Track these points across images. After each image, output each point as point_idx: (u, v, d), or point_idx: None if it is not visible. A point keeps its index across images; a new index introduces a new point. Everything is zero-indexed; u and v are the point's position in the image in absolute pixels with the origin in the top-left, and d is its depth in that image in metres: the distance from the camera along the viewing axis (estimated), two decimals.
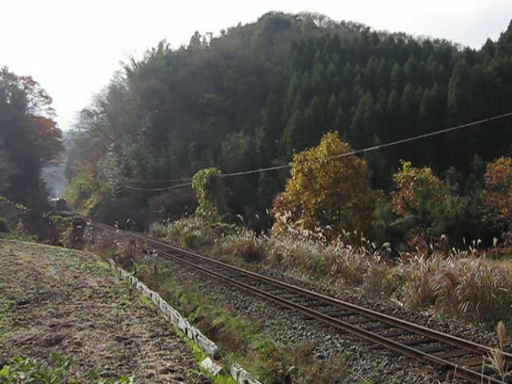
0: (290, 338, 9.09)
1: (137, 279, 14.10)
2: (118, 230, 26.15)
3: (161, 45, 76.71)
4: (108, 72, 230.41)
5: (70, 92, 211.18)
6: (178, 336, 7.92)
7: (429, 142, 44.20)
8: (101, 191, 69.60)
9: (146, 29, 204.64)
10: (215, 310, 11.38)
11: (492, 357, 3.61)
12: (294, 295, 12.40)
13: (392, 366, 7.22)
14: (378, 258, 12.92)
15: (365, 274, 12.59)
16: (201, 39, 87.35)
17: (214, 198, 32.78)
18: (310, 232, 17.33)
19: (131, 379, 3.59)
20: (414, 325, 9.06)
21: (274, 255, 17.20)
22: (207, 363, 6.76)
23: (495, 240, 11.64)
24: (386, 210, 26.37)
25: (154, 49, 77.24)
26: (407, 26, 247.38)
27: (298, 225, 19.70)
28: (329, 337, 8.71)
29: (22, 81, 66.98)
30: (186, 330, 8.59)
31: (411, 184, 29.21)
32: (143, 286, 13.04)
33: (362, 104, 52.16)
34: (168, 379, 5.79)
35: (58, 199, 75.17)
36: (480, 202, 27.45)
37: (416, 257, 11.48)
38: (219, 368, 6.57)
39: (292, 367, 7.56)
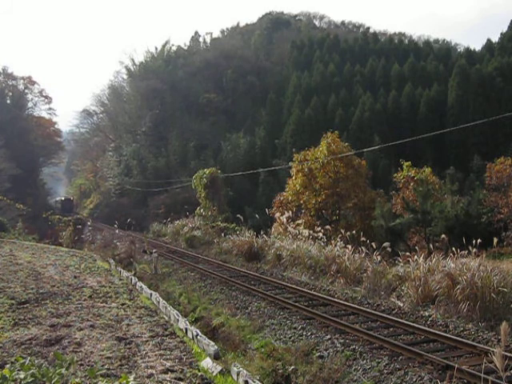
0: (289, 337, 9.09)
1: (137, 279, 14.11)
2: (117, 230, 26.17)
3: (164, 46, 76.76)
4: (108, 72, 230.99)
5: (70, 92, 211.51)
6: (178, 336, 7.93)
7: (429, 142, 44.21)
8: (101, 191, 69.44)
9: (146, 29, 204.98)
10: (215, 310, 11.38)
11: (493, 356, 3.61)
12: (293, 295, 12.40)
13: (392, 365, 7.22)
14: (378, 257, 12.92)
15: (365, 274, 12.58)
16: (201, 39, 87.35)
17: (214, 197, 32.78)
18: (310, 232, 17.33)
19: (131, 378, 3.59)
20: (414, 325, 9.06)
21: (273, 255, 17.19)
22: (207, 363, 6.76)
23: (495, 240, 11.66)
24: (386, 210, 26.35)
25: (156, 48, 77.38)
26: (407, 26, 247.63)
27: (298, 225, 19.69)
28: (329, 337, 8.72)
29: (22, 81, 67.12)
30: (186, 329, 8.60)
31: (411, 184, 29.18)
32: (143, 286, 13.04)
33: (362, 104, 52.14)
34: (168, 379, 5.79)
35: (62, 198, 66.64)
36: (480, 202, 27.43)
37: (416, 257, 11.48)
38: (219, 368, 6.58)
39: (292, 367, 7.56)
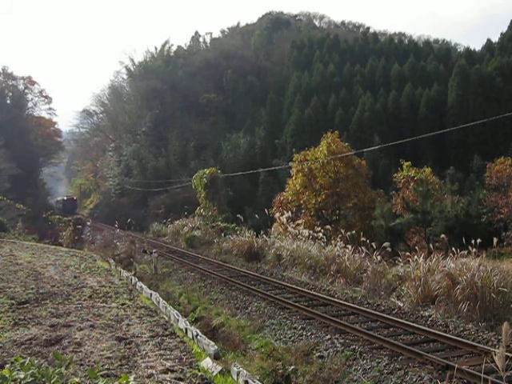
0: (289, 337, 9.09)
1: (137, 279, 14.11)
2: (118, 230, 26.15)
3: (163, 45, 76.77)
4: (108, 72, 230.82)
5: (70, 92, 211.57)
6: (178, 336, 7.93)
7: (429, 142, 44.18)
8: (101, 191, 69.39)
9: (146, 29, 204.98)
10: (215, 310, 11.38)
11: (495, 356, 3.61)
12: (293, 295, 12.40)
13: (392, 365, 7.22)
14: (378, 257, 12.91)
15: (365, 274, 12.58)
16: (201, 39, 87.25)
17: (214, 197, 32.77)
18: (310, 232, 17.32)
19: (131, 378, 3.59)
20: (414, 325, 9.06)
21: (273, 255, 17.19)
22: (207, 363, 6.76)
23: (495, 240, 11.66)
24: (386, 210, 26.36)
25: (156, 48, 77.41)
26: (407, 26, 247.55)
27: (298, 225, 19.67)
28: (329, 337, 8.71)
29: (22, 81, 67.08)
30: (186, 329, 8.60)
31: (411, 184, 29.19)
32: (143, 286, 13.04)
33: (362, 104, 52.13)
34: (168, 379, 5.79)
35: (65, 198, 62.41)
36: (480, 201, 27.42)
37: (416, 257, 11.47)
38: (219, 368, 6.58)
39: (292, 367, 7.57)
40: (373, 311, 10.25)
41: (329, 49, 66.95)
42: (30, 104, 69.59)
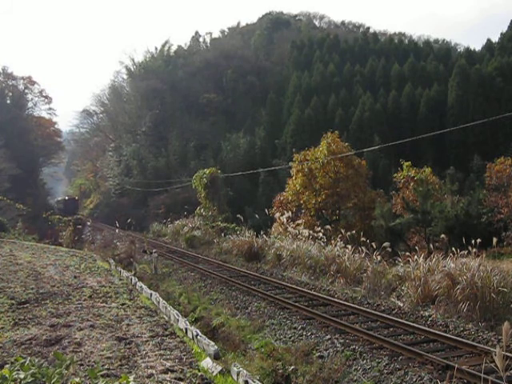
0: (289, 337, 9.09)
1: (137, 279, 14.11)
2: (117, 230, 26.14)
3: (163, 45, 76.80)
4: (108, 72, 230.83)
5: (70, 92, 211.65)
6: (178, 336, 7.93)
7: (429, 142, 44.23)
8: (101, 191, 69.38)
9: (146, 29, 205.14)
10: (215, 310, 11.38)
11: (494, 356, 3.61)
12: (293, 295, 12.40)
13: (392, 365, 7.22)
14: (378, 257, 12.90)
15: (365, 274, 12.58)
16: (201, 39, 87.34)
17: (214, 197, 32.77)
18: (310, 232, 17.32)
19: (131, 378, 3.59)
20: (414, 325, 9.05)
21: (273, 255, 17.19)
22: (207, 363, 6.76)
23: (495, 240, 11.65)
24: (386, 210, 26.37)
25: (156, 48, 77.50)
26: (407, 26, 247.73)
27: (298, 225, 19.68)
28: (329, 337, 8.71)
29: (22, 81, 67.03)
30: (186, 329, 8.59)
31: (411, 184, 29.20)
32: (143, 286, 13.04)
33: (362, 104, 52.16)
34: (168, 379, 5.79)
35: (66, 198, 60.30)
36: (480, 201, 27.43)
37: (416, 257, 11.47)
38: (219, 368, 6.58)
39: (292, 367, 7.57)
40: (373, 311, 10.25)
41: (329, 49, 66.99)
42: (30, 104, 69.63)
